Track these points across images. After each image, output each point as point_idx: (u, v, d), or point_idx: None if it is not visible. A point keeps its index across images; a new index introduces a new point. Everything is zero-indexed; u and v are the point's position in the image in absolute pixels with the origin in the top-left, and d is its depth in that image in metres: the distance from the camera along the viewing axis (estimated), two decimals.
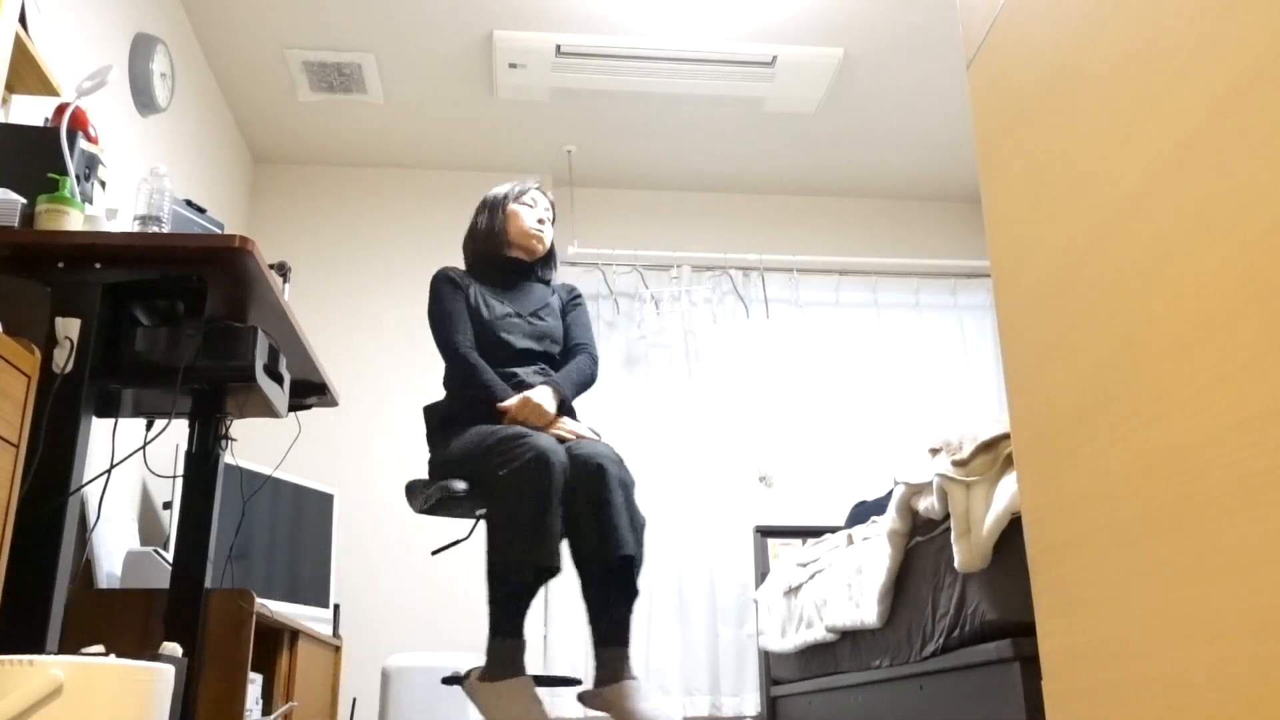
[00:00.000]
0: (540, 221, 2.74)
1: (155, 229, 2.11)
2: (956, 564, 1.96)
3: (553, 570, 2.14)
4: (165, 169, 2.18)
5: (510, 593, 2.21)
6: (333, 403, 2.67)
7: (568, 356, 2.69)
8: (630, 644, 2.27)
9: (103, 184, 2.18)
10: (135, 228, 2.11)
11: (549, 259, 2.82)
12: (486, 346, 2.58)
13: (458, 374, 2.53)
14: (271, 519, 3.61)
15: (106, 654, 1.53)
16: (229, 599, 2.34)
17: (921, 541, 2.25)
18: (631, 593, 2.29)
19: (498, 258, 2.72)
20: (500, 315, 2.62)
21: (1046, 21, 1.28)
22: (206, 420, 2.41)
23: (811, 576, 3.00)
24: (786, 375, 4.67)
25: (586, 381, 2.64)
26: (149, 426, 2.28)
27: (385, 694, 3.29)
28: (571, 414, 2.58)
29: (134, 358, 1.99)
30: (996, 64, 1.42)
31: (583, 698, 2.23)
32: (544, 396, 2.46)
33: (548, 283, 2.80)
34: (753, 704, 4.16)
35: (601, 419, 4.48)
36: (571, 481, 2.29)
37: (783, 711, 3.58)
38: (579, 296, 2.81)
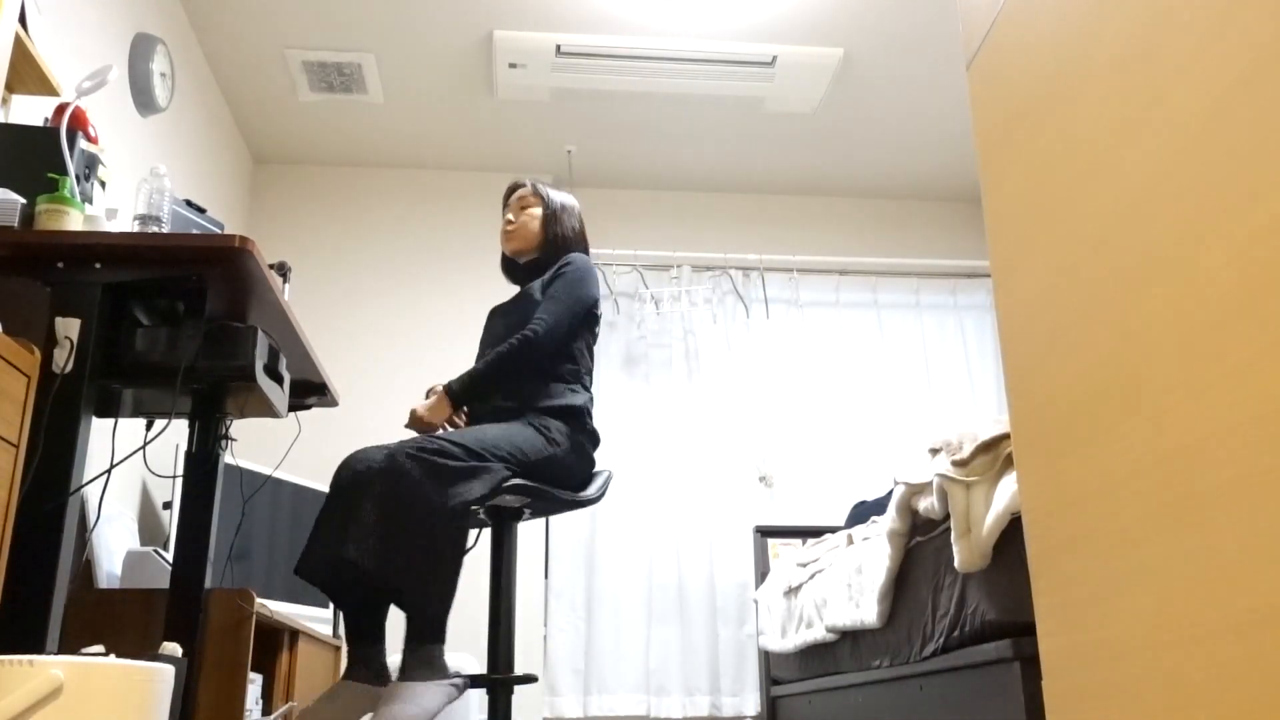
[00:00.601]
0: (509, 221, 2.61)
1: (155, 229, 2.11)
2: (957, 564, 1.96)
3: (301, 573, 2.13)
4: (165, 169, 2.17)
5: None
6: (333, 403, 2.66)
7: None
8: (381, 641, 2.20)
9: (102, 184, 2.18)
10: (135, 228, 2.11)
11: (543, 253, 2.59)
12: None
13: None
14: (271, 519, 3.61)
15: (106, 654, 1.53)
16: (229, 599, 2.34)
17: (921, 541, 2.25)
18: (363, 595, 2.20)
19: (506, 264, 2.70)
20: (491, 325, 2.59)
21: (1047, 21, 1.28)
22: (206, 420, 2.41)
23: (811, 576, 3.00)
24: (786, 375, 4.67)
25: (496, 368, 2.33)
26: (149, 426, 2.28)
27: None
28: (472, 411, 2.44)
29: (134, 358, 1.98)
30: (996, 64, 1.42)
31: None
32: (425, 407, 2.36)
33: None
34: (753, 704, 4.16)
35: (601, 419, 4.48)
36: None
37: (783, 711, 3.58)
38: (564, 266, 2.48)
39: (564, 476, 2.34)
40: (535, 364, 2.38)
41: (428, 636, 2.04)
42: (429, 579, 2.02)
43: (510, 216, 2.62)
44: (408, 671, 2.02)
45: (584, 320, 2.48)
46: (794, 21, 3.79)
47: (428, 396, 2.43)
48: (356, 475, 2.12)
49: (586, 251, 2.65)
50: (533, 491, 2.27)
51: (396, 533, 2.03)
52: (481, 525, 2.49)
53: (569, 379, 2.43)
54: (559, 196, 2.65)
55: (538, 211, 2.60)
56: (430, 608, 2.04)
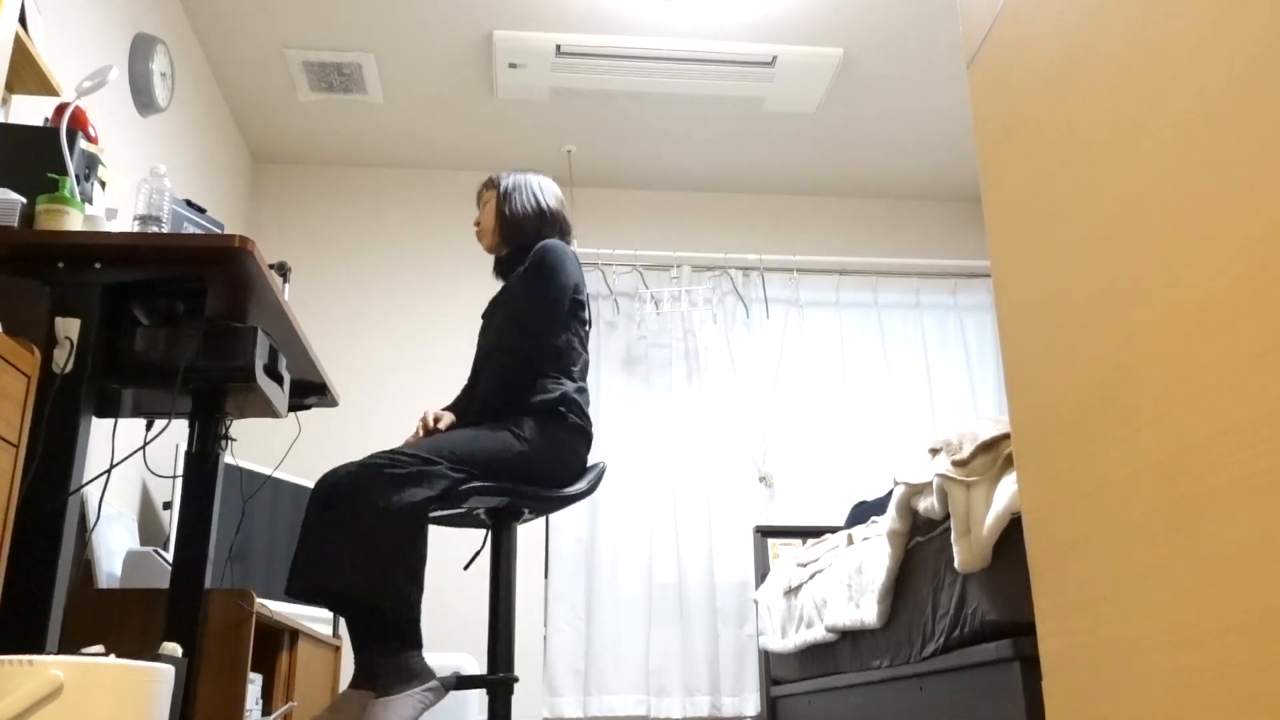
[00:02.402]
0: (476, 222, 2.61)
1: (155, 229, 2.11)
2: (957, 564, 1.96)
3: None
4: (165, 169, 2.17)
5: None
6: (333, 403, 2.66)
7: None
8: (356, 653, 2.13)
9: (102, 184, 2.18)
10: (135, 228, 2.11)
11: (505, 238, 2.55)
12: None
13: None
14: (271, 519, 3.61)
15: (106, 654, 1.53)
16: (229, 599, 2.34)
17: (921, 541, 2.25)
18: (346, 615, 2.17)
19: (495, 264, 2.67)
20: (484, 324, 2.59)
21: (1047, 21, 1.28)
22: (206, 420, 2.41)
23: (811, 577, 3.00)
24: (786, 375, 4.67)
25: (485, 404, 2.35)
26: (149, 426, 2.28)
27: None
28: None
29: (134, 358, 1.98)
30: (996, 64, 1.42)
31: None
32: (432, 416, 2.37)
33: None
34: (753, 704, 4.16)
35: (602, 419, 4.48)
36: None
37: (783, 711, 3.58)
38: (535, 256, 2.42)
39: (541, 474, 2.29)
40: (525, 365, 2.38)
41: (396, 644, 2.06)
42: (384, 584, 2.03)
43: (477, 216, 2.62)
44: (381, 684, 2.03)
45: (569, 311, 2.43)
46: (794, 21, 3.79)
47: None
48: (317, 494, 2.15)
49: (560, 226, 2.56)
50: (507, 491, 2.24)
51: (351, 543, 2.04)
52: (481, 526, 2.49)
53: (552, 374, 2.39)
54: (512, 178, 2.59)
55: (493, 201, 2.58)
56: (392, 612, 2.05)
